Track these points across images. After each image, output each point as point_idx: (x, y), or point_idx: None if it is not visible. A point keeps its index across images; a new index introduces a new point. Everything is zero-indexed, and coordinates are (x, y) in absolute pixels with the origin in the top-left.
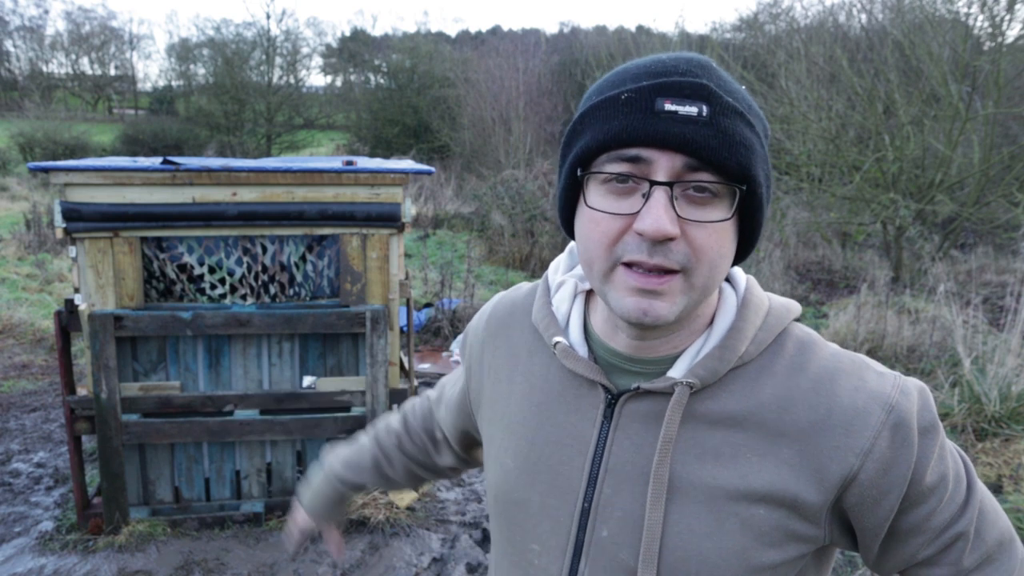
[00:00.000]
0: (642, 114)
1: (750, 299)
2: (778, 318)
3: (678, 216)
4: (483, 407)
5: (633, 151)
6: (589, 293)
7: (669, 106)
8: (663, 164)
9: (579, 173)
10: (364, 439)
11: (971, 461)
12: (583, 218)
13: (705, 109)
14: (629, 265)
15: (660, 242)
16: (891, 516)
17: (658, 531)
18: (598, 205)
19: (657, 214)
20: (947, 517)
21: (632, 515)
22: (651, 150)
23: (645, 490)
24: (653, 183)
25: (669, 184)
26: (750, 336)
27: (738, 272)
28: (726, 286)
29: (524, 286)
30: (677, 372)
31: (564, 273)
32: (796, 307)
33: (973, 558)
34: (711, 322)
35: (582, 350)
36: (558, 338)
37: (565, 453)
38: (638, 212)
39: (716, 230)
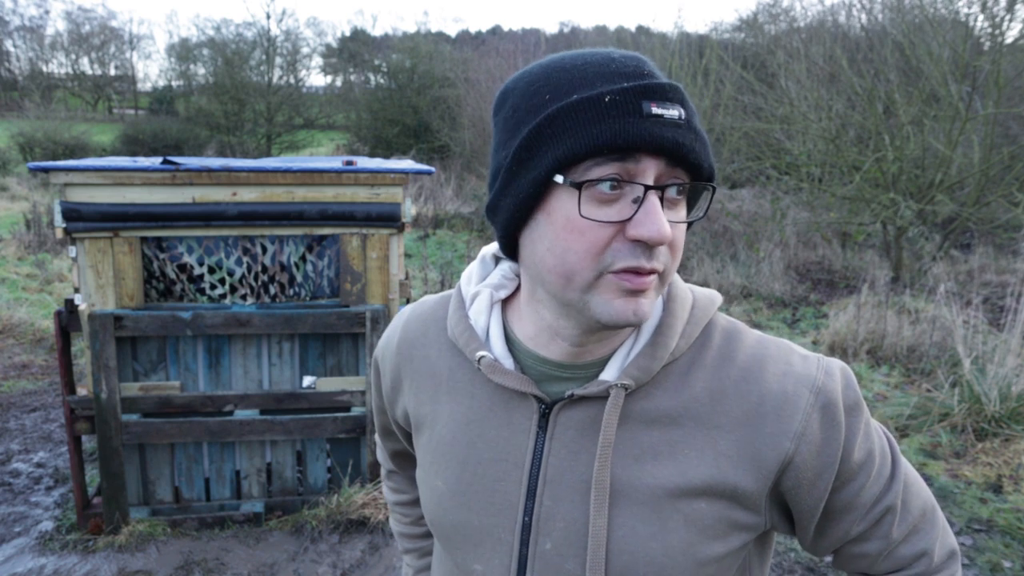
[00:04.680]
0: (632, 117)
1: (675, 293)
2: (703, 310)
3: None
4: (412, 431)
5: (623, 155)
6: (505, 303)
7: (656, 109)
8: (651, 168)
9: (562, 180)
10: (406, 559)
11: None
12: (555, 228)
13: (683, 112)
14: (617, 272)
15: (653, 246)
16: (825, 496)
17: (603, 538)
18: (586, 213)
19: (659, 219)
20: (876, 492)
21: (575, 524)
22: (641, 154)
23: (586, 498)
24: (648, 188)
25: (661, 188)
26: (679, 331)
27: None
28: None
29: (429, 300)
30: (609, 374)
31: (477, 283)
32: (718, 297)
33: (902, 529)
34: None
35: (508, 362)
36: (481, 352)
37: (500, 469)
38: (630, 219)
39: (682, 228)
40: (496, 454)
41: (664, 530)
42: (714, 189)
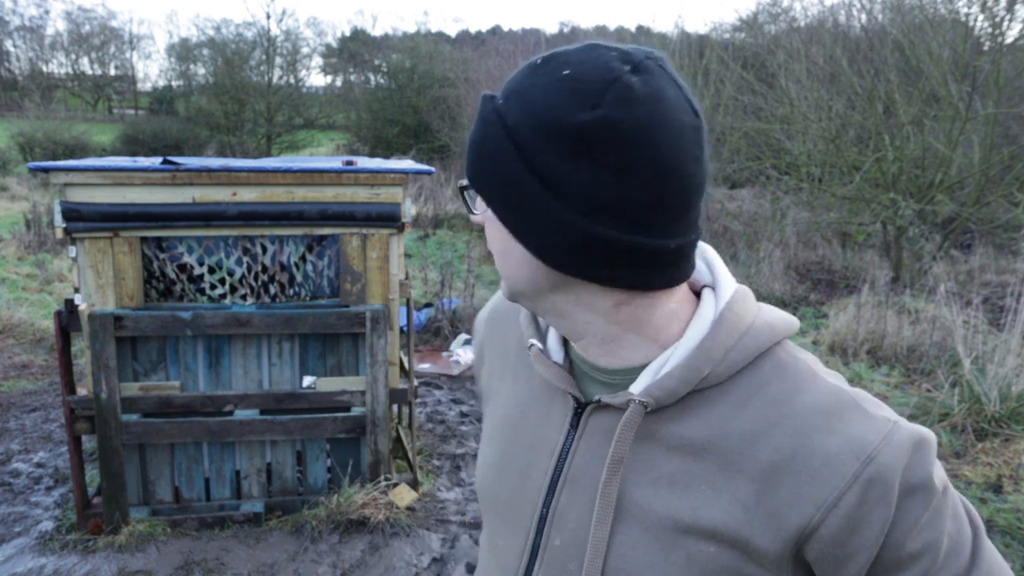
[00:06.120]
0: None
1: (727, 315)
2: (756, 338)
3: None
4: (484, 398)
5: None
6: None
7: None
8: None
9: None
10: None
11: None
12: None
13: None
14: None
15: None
16: None
17: (602, 550)
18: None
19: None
20: None
21: (582, 528)
22: None
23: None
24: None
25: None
26: (718, 357)
27: (727, 283)
28: (708, 298)
29: None
30: (637, 388)
31: None
32: (785, 327)
33: None
34: (681, 336)
35: (558, 355)
36: (532, 341)
37: (534, 456)
38: None
39: (491, 225)
40: (534, 440)
41: (665, 562)
42: (466, 190)
